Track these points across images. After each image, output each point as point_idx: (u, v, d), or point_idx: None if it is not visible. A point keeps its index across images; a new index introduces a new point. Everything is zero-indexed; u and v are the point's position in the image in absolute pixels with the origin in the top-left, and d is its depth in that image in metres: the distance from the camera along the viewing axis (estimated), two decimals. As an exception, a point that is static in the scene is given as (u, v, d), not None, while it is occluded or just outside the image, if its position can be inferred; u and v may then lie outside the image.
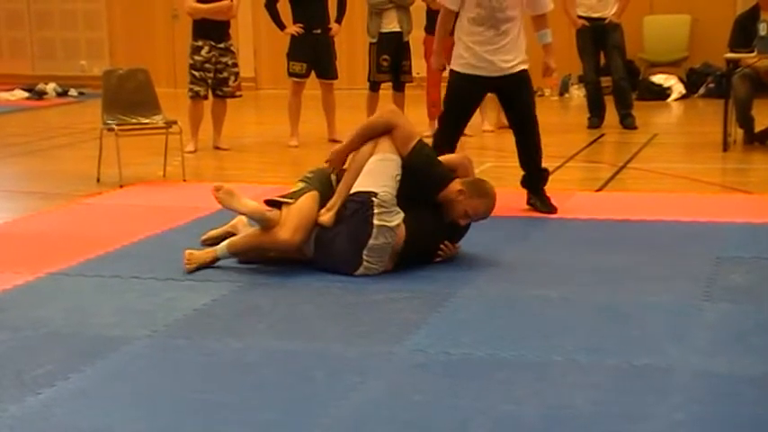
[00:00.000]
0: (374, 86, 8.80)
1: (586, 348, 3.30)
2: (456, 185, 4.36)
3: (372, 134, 4.36)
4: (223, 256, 4.36)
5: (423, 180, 4.33)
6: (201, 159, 7.83)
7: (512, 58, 5.37)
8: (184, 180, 6.73)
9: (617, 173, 6.84)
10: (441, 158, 4.49)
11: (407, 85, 8.97)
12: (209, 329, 3.61)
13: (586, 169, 7.33)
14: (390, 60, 8.66)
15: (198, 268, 4.31)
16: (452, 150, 5.24)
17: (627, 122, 9.03)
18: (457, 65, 5.44)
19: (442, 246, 4.38)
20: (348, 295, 3.98)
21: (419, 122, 9.35)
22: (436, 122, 9.02)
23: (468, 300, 3.90)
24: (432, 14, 8.89)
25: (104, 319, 3.73)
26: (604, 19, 8.98)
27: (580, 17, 9.00)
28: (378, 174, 4.26)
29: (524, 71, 5.41)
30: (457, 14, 5.47)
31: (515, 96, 5.46)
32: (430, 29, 8.93)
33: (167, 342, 3.47)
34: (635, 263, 4.39)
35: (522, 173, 5.59)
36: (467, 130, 8.93)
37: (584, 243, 4.79)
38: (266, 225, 4.30)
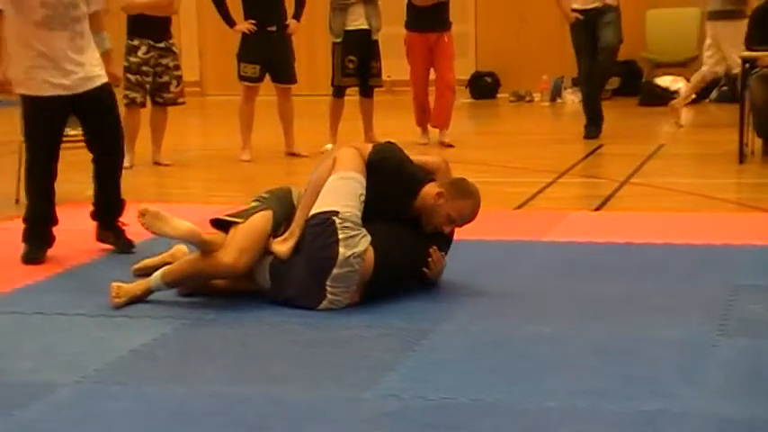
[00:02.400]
0: (339, 92, 8.84)
1: (585, 392, 3.31)
2: (433, 189, 4.39)
3: (319, 187, 4.33)
4: (157, 287, 4.34)
5: (393, 184, 4.34)
6: (138, 176, 7.79)
7: None
8: (118, 200, 6.69)
9: (618, 189, 6.89)
10: (414, 159, 4.53)
11: (376, 89, 9.01)
12: (149, 374, 3.58)
13: (583, 185, 7.37)
14: (357, 62, 8.70)
15: (128, 303, 4.28)
16: None
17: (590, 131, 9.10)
18: None
19: (430, 253, 4.37)
20: (310, 332, 3.97)
21: (397, 131, 9.40)
22: (428, 129, 9.15)
23: (448, 337, 3.90)
24: (415, 10, 8.96)
25: (24, 363, 3.69)
26: (600, 7, 9.02)
27: (574, 10, 9.07)
28: (338, 193, 4.27)
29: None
30: None
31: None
32: (413, 25, 9.00)
33: (99, 389, 3.44)
34: (640, 292, 4.41)
35: None
36: (446, 139, 9.00)
37: (580, 270, 4.81)
38: (205, 249, 4.29)
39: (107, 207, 5.33)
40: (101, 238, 5.31)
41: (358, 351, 3.76)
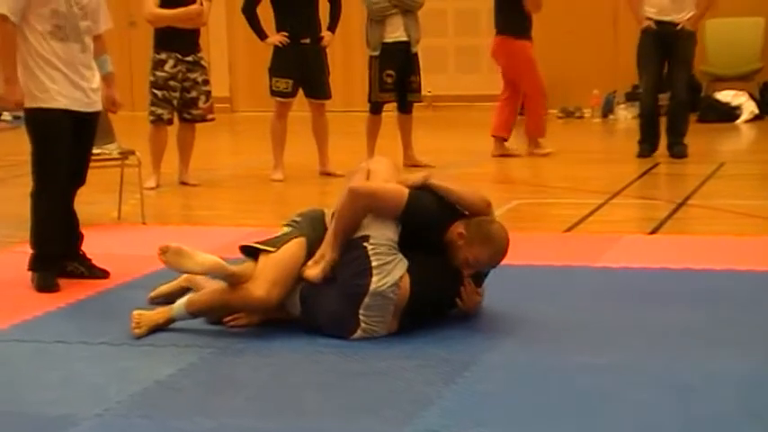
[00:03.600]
0: (376, 108, 8.86)
1: (640, 429, 3.28)
2: (458, 227, 4.33)
3: (353, 223, 4.29)
4: (180, 317, 4.36)
5: (422, 227, 4.33)
6: (164, 197, 7.85)
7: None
8: (144, 223, 6.75)
9: (675, 211, 6.86)
10: (455, 193, 4.45)
11: (416, 105, 9.03)
12: (175, 406, 3.59)
13: (637, 207, 7.33)
14: (395, 76, 8.72)
15: (150, 332, 4.30)
16: None
17: (676, 151, 9.07)
18: None
19: (461, 290, 4.35)
20: (345, 363, 3.97)
21: (438, 149, 9.41)
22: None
23: (492, 368, 3.89)
24: (526, 18, 9.07)
25: (45, 395, 3.71)
26: (676, 24, 9.01)
27: (648, 19, 9.05)
28: (373, 219, 4.28)
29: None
30: None
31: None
32: (526, 33, 9.11)
33: (122, 422, 3.45)
34: (700, 322, 4.38)
35: None
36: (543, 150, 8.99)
37: (635, 297, 4.78)
38: (233, 282, 4.31)
39: (73, 236, 5.33)
40: (69, 270, 5.30)
41: (396, 383, 3.75)
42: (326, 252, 4.32)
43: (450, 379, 3.76)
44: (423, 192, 4.40)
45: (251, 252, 4.41)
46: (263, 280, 4.27)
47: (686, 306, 4.62)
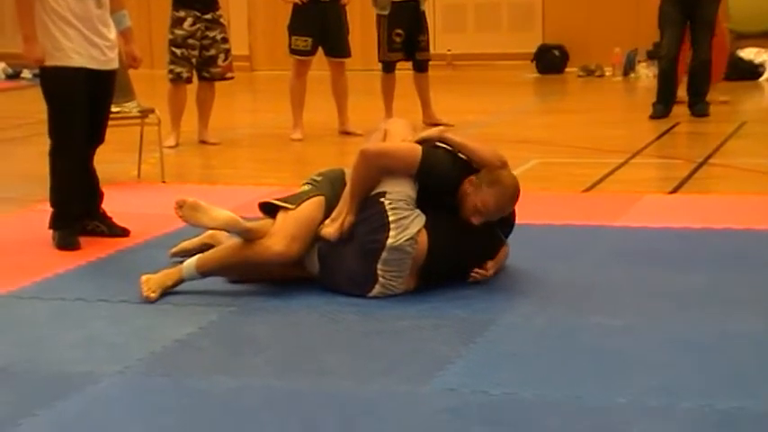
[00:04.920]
0: (388, 67, 8.84)
1: (658, 389, 3.29)
2: (469, 179, 4.31)
3: (367, 184, 4.29)
4: (190, 277, 4.33)
5: (439, 185, 4.31)
6: (184, 156, 7.86)
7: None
8: (163, 181, 6.77)
9: (695, 170, 6.82)
10: (469, 147, 4.43)
11: (435, 64, 8.96)
12: (195, 365, 3.62)
13: (657, 166, 7.30)
14: (404, 35, 8.68)
15: (161, 296, 4.28)
16: None
17: (698, 109, 9.00)
18: None
19: (475, 271, 4.33)
20: (364, 322, 3.99)
21: (459, 110, 9.36)
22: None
23: (510, 328, 3.89)
24: None
25: (65, 353, 3.74)
26: None
27: None
28: (390, 177, 4.27)
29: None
30: None
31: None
32: None
33: (143, 380, 3.48)
34: (719, 282, 4.37)
35: None
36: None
37: (654, 258, 4.77)
38: (249, 237, 4.31)
39: (93, 195, 5.34)
40: (90, 228, 5.32)
41: (414, 343, 3.76)
42: (343, 209, 4.32)
43: (468, 339, 3.76)
44: (437, 149, 4.39)
45: (269, 210, 4.41)
46: (283, 235, 4.27)
47: (706, 266, 4.61)
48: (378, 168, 4.29)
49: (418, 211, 4.25)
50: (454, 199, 4.32)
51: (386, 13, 8.65)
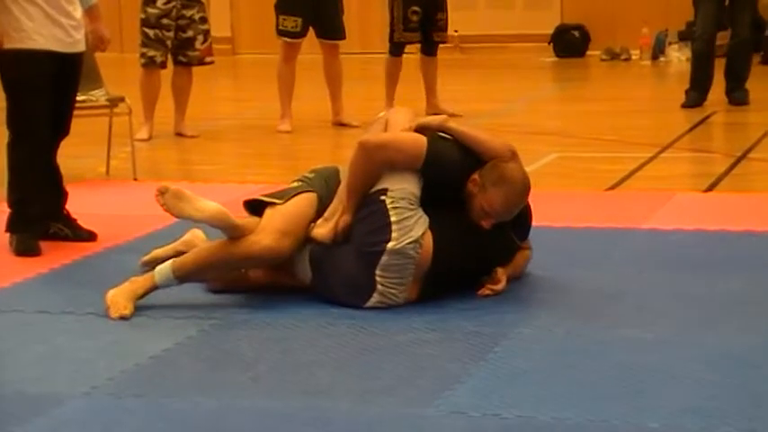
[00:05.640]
0: (397, 49, 8.83)
1: (695, 411, 3.29)
2: (474, 175, 4.30)
3: (367, 180, 4.29)
4: (165, 283, 4.29)
5: (445, 180, 4.31)
6: (158, 150, 7.87)
7: None
8: (135, 179, 6.77)
9: (733, 166, 6.84)
10: (473, 136, 4.42)
11: (441, 46, 8.98)
12: (172, 385, 3.61)
13: (691, 161, 7.32)
14: (421, 13, 8.68)
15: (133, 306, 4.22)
16: None
17: (737, 96, 8.99)
18: None
19: (487, 287, 4.33)
20: (361, 336, 3.98)
21: (466, 98, 9.36)
22: None
23: (526, 343, 3.90)
24: None
25: (26, 372, 3.74)
26: None
27: None
28: (392, 172, 4.28)
29: None
30: None
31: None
32: None
33: (112, 402, 3.47)
34: (760, 291, 4.38)
35: None
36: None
37: (687, 264, 4.78)
38: (235, 234, 4.30)
39: (56, 194, 5.31)
40: (52, 232, 5.30)
41: (417, 359, 3.76)
42: (337, 208, 4.32)
43: (478, 355, 3.76)
44: (443, 140, 4.39)
45: (255, 208, 4.41)
46: (271, 229, 4.26)
47: (745, 273, 4.61)
48: (379, 162, 4.29)
49: (422, 212, 4.25)
50: (462, 197, 4.32)
51: (401, -12, 8.65)
